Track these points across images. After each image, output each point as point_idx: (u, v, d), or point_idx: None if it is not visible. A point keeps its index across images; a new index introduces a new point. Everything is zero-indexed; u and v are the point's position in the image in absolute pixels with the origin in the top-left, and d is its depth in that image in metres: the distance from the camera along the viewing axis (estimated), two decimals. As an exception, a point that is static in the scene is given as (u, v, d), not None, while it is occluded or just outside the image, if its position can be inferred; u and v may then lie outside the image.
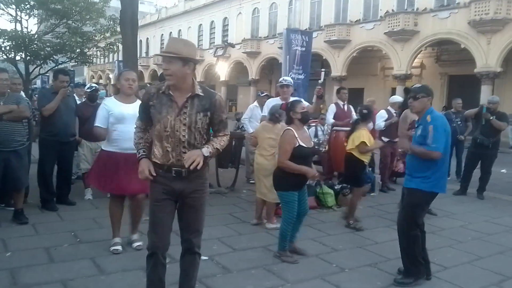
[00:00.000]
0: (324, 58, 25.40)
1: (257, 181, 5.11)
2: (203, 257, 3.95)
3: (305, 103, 6.00)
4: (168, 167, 2.66)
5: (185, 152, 2.62)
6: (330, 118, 7.41)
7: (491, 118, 7.27)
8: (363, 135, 5.15)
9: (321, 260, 4.11)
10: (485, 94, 16.78)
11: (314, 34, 20.90)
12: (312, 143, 4.33)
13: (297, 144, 3.91)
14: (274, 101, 5.73)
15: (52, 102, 5.09)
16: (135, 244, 4.09)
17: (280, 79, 6.02)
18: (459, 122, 8.51)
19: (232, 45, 25.72)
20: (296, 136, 3.95)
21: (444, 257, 4.30)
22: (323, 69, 7.30)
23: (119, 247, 3.99)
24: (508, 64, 18.29)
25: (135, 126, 2.86)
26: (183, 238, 2.84)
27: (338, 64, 25.13)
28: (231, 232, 4.79)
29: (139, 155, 2.75)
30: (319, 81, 7.10)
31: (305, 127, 4.44)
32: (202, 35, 38.99)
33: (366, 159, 5.27)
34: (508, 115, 13.25)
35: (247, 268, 3.80)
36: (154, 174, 2.66)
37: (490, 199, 7.37)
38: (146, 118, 2.75)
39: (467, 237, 5.17)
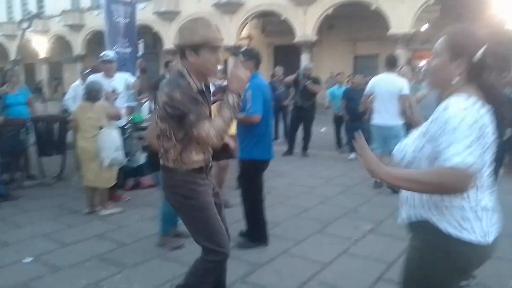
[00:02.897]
0: (155, 30, 24.63)
1: (83, 167, 4.66)
2: (27, 259, 3.54)
3: (133, 78, 5.71)
4: (206, 167, 2.42)
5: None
6: None
7: (307, 83, 8.07)
8: None
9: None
10: (305, 62, 18.49)
11: (141, 5, 20.08)
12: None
13: None
14: (95, 78, 5.24)
15: None
16: None
17: (102, 54, 5.51)
18: (282, 89, 9.21)
19: (38, 16, 22.70)
20: None
21: (276, 213, 4.63)
22: (141, 40, 6.94)
23: None
24: (322, 33, 20.39)
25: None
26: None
27: (170, 37, 24.66)
28: (60, 225, 4.36)
29: None
30: (138, 54, 6.79)
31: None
32: (12, 6, 33.77)
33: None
34: (326, 79, 15.06)
35: (80, 262, 3.50)
36: None
37: (313, 156, 8.29)
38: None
39: (294, 192, 5.71)
